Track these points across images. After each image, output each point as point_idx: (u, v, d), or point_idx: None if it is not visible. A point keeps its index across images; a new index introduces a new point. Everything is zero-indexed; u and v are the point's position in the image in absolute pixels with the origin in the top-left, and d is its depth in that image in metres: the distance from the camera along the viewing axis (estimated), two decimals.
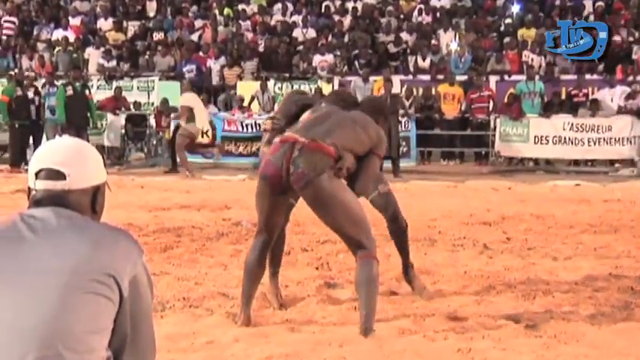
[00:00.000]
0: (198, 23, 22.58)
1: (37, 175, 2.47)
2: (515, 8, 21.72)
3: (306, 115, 5.18)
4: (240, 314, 5.12)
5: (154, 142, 19.25)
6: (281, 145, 4.88)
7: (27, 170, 2.61)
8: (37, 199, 2.46)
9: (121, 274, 2.35)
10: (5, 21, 23.39)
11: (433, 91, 18.56)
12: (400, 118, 16.83)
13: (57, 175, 2.45)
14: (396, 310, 5.50)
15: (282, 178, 4.80)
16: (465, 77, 18.99)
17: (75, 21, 22.96)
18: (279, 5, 23.23)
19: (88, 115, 17.34)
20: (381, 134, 5.19)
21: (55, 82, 18.28)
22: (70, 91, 17.03)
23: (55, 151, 2.52)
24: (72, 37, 22.02)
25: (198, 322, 5.17)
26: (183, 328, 5.02)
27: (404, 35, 20.89)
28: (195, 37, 22.07)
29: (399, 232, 5.94)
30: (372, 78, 18.76)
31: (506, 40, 20.25)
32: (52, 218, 2.39)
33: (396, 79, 18.84)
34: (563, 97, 18.37)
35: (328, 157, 4.81)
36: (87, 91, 17.64)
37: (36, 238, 2.35)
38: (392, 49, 20.49)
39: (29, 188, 2.52)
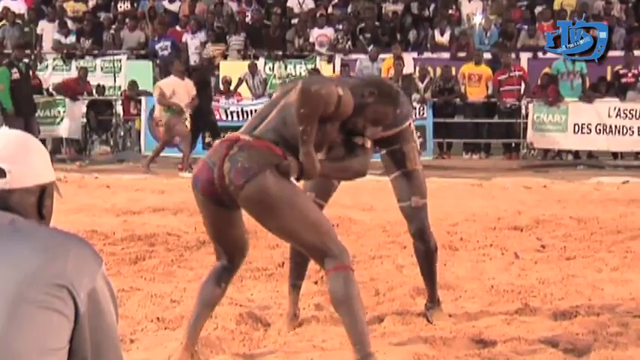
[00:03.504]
0: None
1: None
2: None
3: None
4: (180, 350, 4.86)
5: (122, 134, 19.28)
6: (219, 145, 4.71)
7: None
8: None
9: (76, 286, 2.32)
10: None
11: (454, 72, 18.56)
12: (414, 104, 16.85)
13: None
14: (411, 332, 5.50)
15: (214, 182, 4.58)
16: (491, 55, 18.98)
17: None
18: None
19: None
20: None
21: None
22: (15, 74, 16.98)
23: None
24: (22, 8, 22.00)
25: (175, 347, 5.17)
26: (157, 354, 5.02)
27: (417, 5, 20.89)
28: (170, 7, 22.06)
29: (424, 253, 5.74)
30: (380, 56, 18.77)
31: (539, 9, 20.24)
32: None
33: (409, 57, 18.85)
34: (609, 77, 18.37)
35: (274, 154, 4.61)
36: (31, 72, 17.68)
37: None
38: (403, 20, 20.50)
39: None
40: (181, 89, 16.14)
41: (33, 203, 2.50)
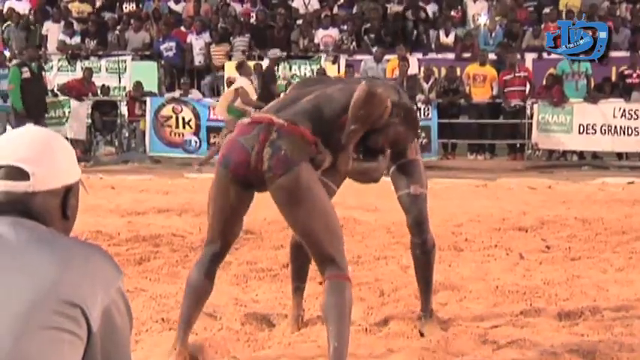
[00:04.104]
0: None
1: None
2: None
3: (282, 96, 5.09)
4: (175, 345, 4.86)
5: (127, 134, 19.30)
6: (253, 127, 4.62)
7: None
8: None
9: (90, 304, 2.24)
10: None
11: (458, 72, 18.55)
12: (419, 105, 16.85)
13: (19, 173, 2.35)
14: (416, 333, 5.49)
15: (249, 165, 4.52)
16: (496, 55, 18.96)
17: None
18: None
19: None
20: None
21: (7, 64, 18.26)
22: (26, 73, 17.02)
23: (16, 144, 2.42)
24: (27, 8, 22.03)
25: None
26: (161, 354, 5.01)
27: (422, 6, 20.89)
28: (175, 8, 22.07)
29: (420, 249, 5.46)
30: (385, 57, 18.77)
31: (546, 10, 20.23)
32: (8, 232, 2.28)
33: (413, 58, 18.85)
34: (614, 78, 18.36)
35: (309, 144, 4.59)
36: (43, 73, 17.72)
37: None
38: (408, 21, 20.50)
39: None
40: (252, 91, 16.18)
41: (57, 205, 2.42)
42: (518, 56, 18.66)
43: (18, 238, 2.27)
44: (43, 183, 2.37)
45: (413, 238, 5.47)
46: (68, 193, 2.45)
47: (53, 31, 21.13)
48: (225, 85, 18.91)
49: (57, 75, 19.68)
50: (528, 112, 17.65)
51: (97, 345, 2.26)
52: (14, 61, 18.34)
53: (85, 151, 18.81)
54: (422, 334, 5.45)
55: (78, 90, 18.78)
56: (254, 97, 16.18)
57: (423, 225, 5.43)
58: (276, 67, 19.27)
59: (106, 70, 20.22)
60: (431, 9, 20.79)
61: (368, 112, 4.62)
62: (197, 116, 18.03)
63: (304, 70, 19.30)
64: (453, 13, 20.43)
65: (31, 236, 2.29)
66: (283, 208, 4.61)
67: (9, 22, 21.41)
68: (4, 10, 22.05)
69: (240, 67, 17.11)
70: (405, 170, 5.35)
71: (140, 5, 22.39)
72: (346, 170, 4.84)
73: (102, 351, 2.28)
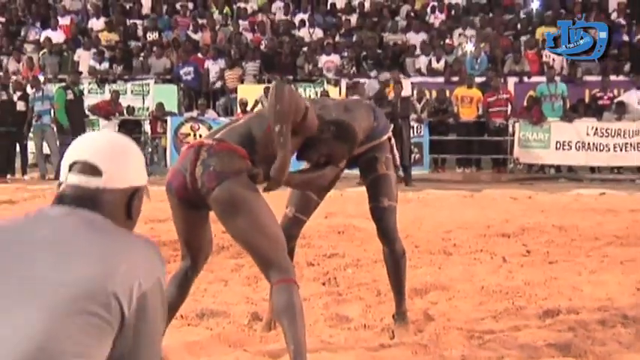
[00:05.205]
0: (196, 22, 22.64)
1: (70, 168, 2.38)
2: (535, 4, 21.77)
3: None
4: None
5: (149, 150, 19.28)
6: (187, 152, 4.48)
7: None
8: (62, 195, 2.36)
9: (127, 291, 2.18)
10: None
11: (448, 94, 18.57)
12: (412, 123, 16.84)
13: (92, 170, 2.36)
14: (409, 328, 5.47)
15: (186, 187, 4.40)
16: (482, 79, 18.97)
17: (64, 20, 23.03)
18: (279, 3, 23.30)
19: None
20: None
21: (42, 86, 18.29)
22: (70, 95, 17.20)
23: (93, 143, 2.43)
24: (62, 38, 22.08)
25: (196, 341, 5.16)
26: (177, 347, 5.00)
27: (414, 35, 20.91)
28: (193, 36, 22.11)
29: (390, 256, 5.29)
30: (383, 77, 18.80)
31: (524, 38, 20.26)
32: (68, 221, 2.27)
33: (407, 82, 18.87)
34: (587, 99, 18.36)
35: (242, 158, 4.38)
36: (83, 96, 17.92)
37: (41, 243, 2.22)
38: (402, 49, 20.53)
39: (59, 183, 2.40)
40: None
41: (123, 204, 2.42)
42: (501, 80, 18.67)
43: (75, 227, 2.26)
44: (113, 181, 2.38)
45: (383, 247, 5.31)
46: (134, 195, 2.46)
47: (84, 58, 21.17)
48: (238, 105, 18.92)
49: (87, 97, 19.68)
50: (510, 129, 17.66)
51: (128, 332, 2.21)
52: (58, 85, 18.39)
53: None
54: (392, 337, 5.27)
55: (106, 110, 18.83)
56: None
57: (391, 235, 5.24)
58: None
59: (132, 92, 20.21)
60: (421, 37, 20.79)
61: (283, 107, 4.37)
62: None
63: (309, 92, 19.27)
64: (447, 41, 20.48)
65: (88, 227, 2.28)
66: (222, 220, 4.42)
67: (45, 50, 21.44)
68: (41, 40, 22.09)
69: (354, 88, 16.99)
70: (376, 184, 5.21)
71: (162, 34, 22.42)
72: (285, 182, 4.56)
73: (132, 340, 2.22)
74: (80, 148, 2.41)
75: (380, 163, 5.21)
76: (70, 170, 2.38)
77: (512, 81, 19.19)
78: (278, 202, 5.18)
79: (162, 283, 2.32)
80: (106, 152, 2.39)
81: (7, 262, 2.19)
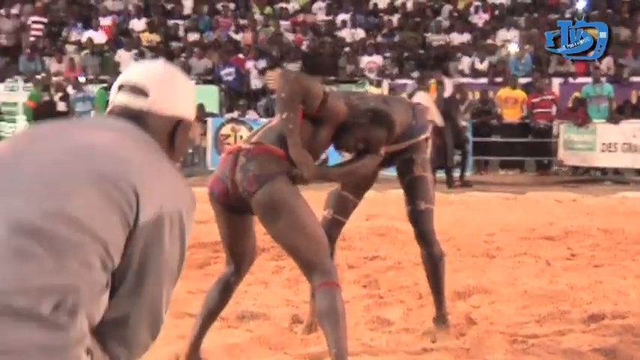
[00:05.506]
0: (237, 23, 22.73)
1: (119, 88, 2.45)
2: (581, 4, 21.60)
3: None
4: (185, 348, 4.77)
5: (190, 151, 19.37)
6: (226, 158, 4.52)
7: None
8: (109, 114, 2.43)
9: (147, 199, 2.16)
10: (34, 22, 23.62)
11: (491, 95, 18.48)
12: (463, 123, 16.76)
13: (139, 91, 2.42)
14: (451, 331, 5.45)
15: (228, 193, 4.47)
16: (527, 79, 18.85)
17: (106, 21, 23.20)
18: (321, 4, 23.31)
19: None
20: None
21: (83, 87, 18.44)
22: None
23: (144, 68, 2.51)
24: (103, 39, 22.27)
25: (237, 343, 5.18)
26: (219, 348, 5.02)
27: (457, 35, 20.85)
28: (234, 37, 22.19)
29: (428, 259, 5.30)
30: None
31: None
32: (104, 120, 2.40)
33: (450, 83, 18.79)
34: (634, 100, 18.19)
35: (280, 159, 4.40)
36: None
37: (77, 123, 2.41)
38: (445, 49, 20.47)
39: (107, 102, 2.49)
40: (431, 105, 15.78)
41: (166, 132, 2.43)
42: (546, 81, 18.55)
43: (111, 123, 2.35)
44: (158, 105, 2.42)
45: (421, 249, 5.33)
46: (178, 126, 2.46)
47: (125, 59, 21.29)
48: None
49: None
50: (555, 131, 17.54)
51: (136, 247, 2.18)
52: (99, 86, 18.52)
53: None
54: (434, 341, 5.26)
55: None
56: (434, 111, 15.37)
57: (428, 238, 5.27)
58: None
59: None
60: (465, 38, 20.71)
61: (288, 94, 4.40)
62: None
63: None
64: (489, 41, 20.39)
65: (124, 127, 2.34)
66: (264, 223, 4.44)
67: (86, 51, 21.63)
68: (83, 40, 22.29)
69: (421, 82, 16.80)
70: (412, 186, 5.20)
71: (203, 35, 22.53)
72: (315, 173, 4.51)
73: (139, 261, 2.19)
74: (132, 72, 2.49)
75: (416, 165, 5.20)
76: (119, 90, 2.45)
77: (556, 82, 19.06)
78: (317, 205, 5.18)
79: (185, 220, 2.28)
80: (155, 77, 2.45)
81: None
